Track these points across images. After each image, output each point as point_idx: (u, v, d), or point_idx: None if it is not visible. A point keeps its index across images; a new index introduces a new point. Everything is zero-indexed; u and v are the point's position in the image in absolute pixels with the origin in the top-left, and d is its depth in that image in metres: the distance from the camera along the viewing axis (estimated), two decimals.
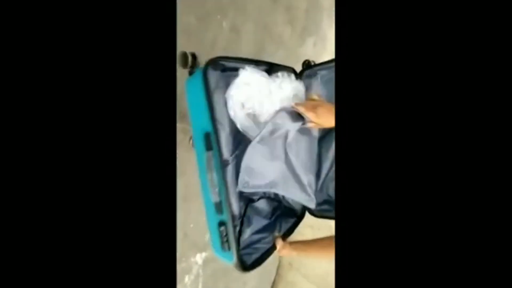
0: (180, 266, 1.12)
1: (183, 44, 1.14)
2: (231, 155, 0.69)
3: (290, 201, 0.87)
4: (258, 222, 0.77)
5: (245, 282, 1.42)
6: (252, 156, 0.65)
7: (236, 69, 0.58)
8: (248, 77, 0.57)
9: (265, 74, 0.62)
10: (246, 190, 0.73)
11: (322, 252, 0.75)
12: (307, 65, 0.84)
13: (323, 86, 0.80)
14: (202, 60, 0.63)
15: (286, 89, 0.64)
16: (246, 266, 0.64)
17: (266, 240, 0.74)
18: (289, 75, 0.68)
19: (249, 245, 0.71)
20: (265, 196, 0.85)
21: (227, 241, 0.59)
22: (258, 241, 0.73)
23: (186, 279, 1.16)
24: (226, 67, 0.60)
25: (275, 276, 1.62)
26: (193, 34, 1.15)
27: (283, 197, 0.86)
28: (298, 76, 0.81)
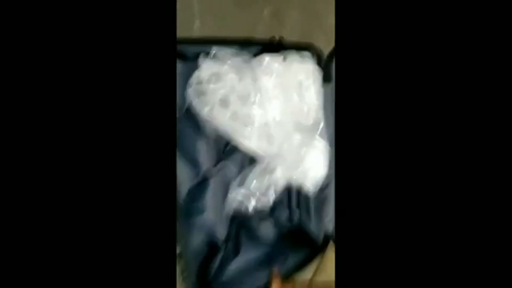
0: None
1: (215, 30, 1.03)
2: (214, 166, 0.55)
3: (311, 224, 0.68)
4: (252, 250, 0.60)
5: None
6: None
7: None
8: (214, 68, 0.41)
9: (246, 58, 0.45)
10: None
11: None
12: None
13: None
14: None
15: (278, 74, 0.45)
16: None
17: (258, 275, 0.57)
18: (298, 55, 0.49)
19: (233, 280, 0.56)
20: (272, 216, 0.67)
21: (186, 278, 0.45)
22: (247, 275, 0.57)
23: None
24: (187, 54, 0.44)
25: None
26: (228, 19, 1.03)
27: (300, 216, 0.68)
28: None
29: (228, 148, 0.57)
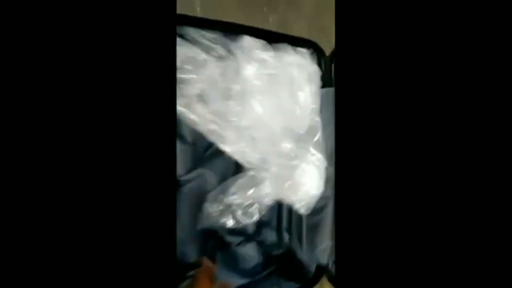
0: None
1: None
2: (187, 172, 0.47)
3: (302, 252, 0.58)
4: (229, 278, 0.52)
5: None
6: None
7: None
8: (190, 52, 0.35)
9: (229, 44, 0.38)
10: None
11: None
12: None
13: None
14: None
15: (265, 65, 0.38)
16: None
17: None
18: (293, 49, 0.42)
19: None
20: (256, 238, 0.58)
21: None
22: None
23: None
24: None
25: None
26: None
27: (290, 240, 0.58)
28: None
29: (208, 152, 0.49)
